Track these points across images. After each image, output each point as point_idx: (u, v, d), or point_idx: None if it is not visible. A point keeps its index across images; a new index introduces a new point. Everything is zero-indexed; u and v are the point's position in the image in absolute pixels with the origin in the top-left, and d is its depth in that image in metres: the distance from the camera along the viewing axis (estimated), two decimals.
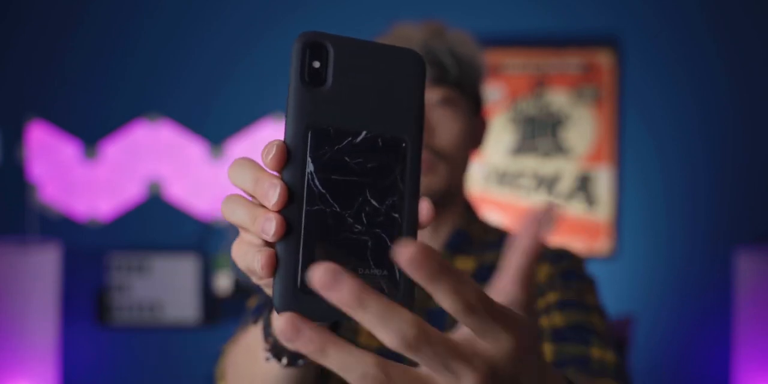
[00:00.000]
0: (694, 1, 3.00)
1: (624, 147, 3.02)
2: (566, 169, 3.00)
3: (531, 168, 3.01)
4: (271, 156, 0.46)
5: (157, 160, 3.06)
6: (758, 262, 2.71)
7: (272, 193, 0.46)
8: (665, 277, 3.01)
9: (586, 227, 3.00)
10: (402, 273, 0.47)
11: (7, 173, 3.08)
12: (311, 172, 0.46)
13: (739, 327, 2.76)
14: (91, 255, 3.06)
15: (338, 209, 0.46)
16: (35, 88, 3.07)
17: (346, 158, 0.47)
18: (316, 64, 0.47)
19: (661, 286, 3.01)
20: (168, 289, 2.98)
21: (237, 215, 0.48)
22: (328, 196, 0.46)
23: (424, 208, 0.48)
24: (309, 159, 0.46)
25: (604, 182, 2.99)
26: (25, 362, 2.75)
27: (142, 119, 3.07)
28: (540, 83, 3.01)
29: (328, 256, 0.46)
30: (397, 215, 0.47)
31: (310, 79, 0.47)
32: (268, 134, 3.06)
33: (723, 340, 2.99)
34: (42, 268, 2.78)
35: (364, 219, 0.47)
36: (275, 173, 0.47)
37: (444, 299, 0.42)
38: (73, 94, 3.08)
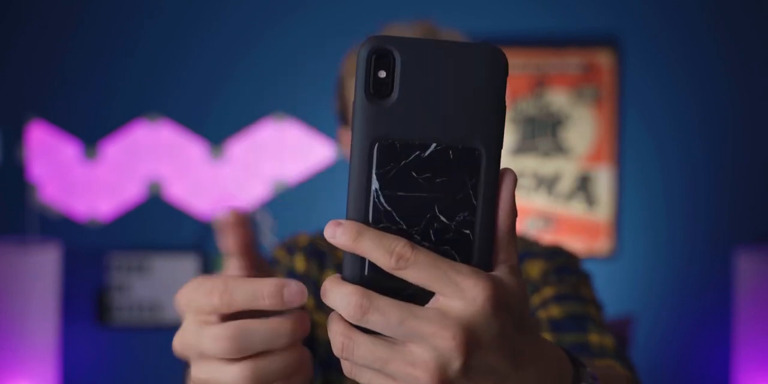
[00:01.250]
0: (694, 1, 3.00)
1: (624, 147, 3.02)
2: (566, 169, 3.00)
3: (531, 168, 3.01)
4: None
5: (157, 160, 3.06)
6: (758, 262, 2.71)
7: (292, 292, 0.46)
8: (665, 277, 3.01)
9: (586, 227, 3.00)
10: None
11: (7, 173, 3.08)
12: (376, 189, 0.44)
13: (739, 327, 2.76)
14: (91, 255, 3.06)
15: (404, 227, 0.44)
16: (35, 88, 3.08)
17: (414, 173, 0.44)
18: (382, 74, 0.44)
19: (661, 286, 3.01)
20: (168, 289, 2.99)
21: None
22: (394, 213, 0.44)
23: (503, 219, 0.45)
24: (374, 176, 0.44)
25: (604, 182, 2.99)
26: (25, 362, 2.75)
27: (142, 119, 3.07)
28: (540, 83, 3.01)
29: (394, 276, 0.44)
30: (468, 231, 0.45)
31: (376, 91, 0.44)
32: (268, 134, 3.06)
33: (723, 340, 2.99)
34: (42, 268, 2.78)
35: (432, 236, 0.44)
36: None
37: (375, 257, 0.43)
38: (73, 94, 3.08)
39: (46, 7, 3.07)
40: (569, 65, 3.00)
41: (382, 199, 0.44)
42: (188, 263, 2.98)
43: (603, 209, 2.99)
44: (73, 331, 3.06)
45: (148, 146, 3.07)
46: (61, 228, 3.06)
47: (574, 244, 3.00)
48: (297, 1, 3.07)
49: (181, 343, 0.47)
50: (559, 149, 3.01)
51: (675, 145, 3.01)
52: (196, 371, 0.47)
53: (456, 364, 0.42)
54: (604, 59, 2.99)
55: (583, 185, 3.00)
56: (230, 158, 3.06)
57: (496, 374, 0.44)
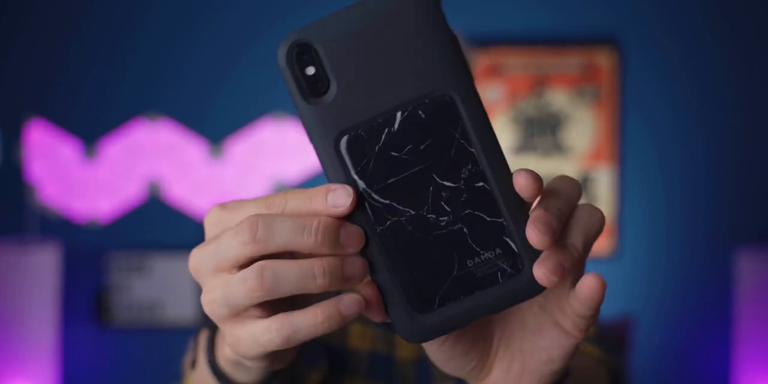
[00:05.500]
0: (695, 0, 3.00)
1: (624, 147, 3.02)
2: (566, 169, 3.01)
3: (531, 168, 3.01)
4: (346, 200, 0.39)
5: (157, 160, 3.06)
6: (758, 262, 2.71)
7: (342, 193, 0.39)
8: (665, 277, 3.01)
9: None
10: (517, 239, 0.40)
11: (6, 173, 3.07)
12: (364, 189, 0.40)
13: (739, 327, 2.76)
14: (91, 255, 3.06)
15: (413, 212, 0.40)
16: (35, 87, 3.07)
17: (394, 153, 0.39)
18: (311, 71, 0.39)
19: (661, 286, 3.01)
20: (168, 289, 2.98)
21: (277, 235, 0.39)
22: (394, 204, 0.40)
23: (521, 178, 0.39)
24: (355, 177, 0.40)
25: (604, 182, 2.99)
26: (25, 362, 2.75)
27: (142, 118, 3.07)
28: (540, 83, 3.01)
29: (428, 266, 0.40)
30: (481, 183, 0.40)
31: (313, 90, 0.39)
32: (268, 134, 3.05)
33: (723, 340, 2.99)
34: (42, 268, 2.78)
35: (446, 207, 0.40)
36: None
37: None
38: (73, 94, 3.07)
39: (45, 7, 3.07)
40: (569, 65, 3.00)
41: (376, 196, 0.40)
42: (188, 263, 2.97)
43: (603, 209, 2.99)
44: (73, 331, 3.06)
45: (147, 146, 3.07)
46: (60, 228, 3.06)
47: None
48: (297, 1, 3.06)
49: (209, 302, 0.42)
50: (559, 149, 3.01)
51: (675, 144, 3.01)
52: (229, 332, 0.43)
53: None
54: (604, 59, 2.99)
55: (584, 185, 3.00)
56: (230, 158, 3.06)
57: None
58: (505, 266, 0.40)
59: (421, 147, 0.39)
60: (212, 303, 0.42)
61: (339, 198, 0.39)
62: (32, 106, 3.07)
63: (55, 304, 2.83)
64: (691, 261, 3.01)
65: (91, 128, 3.07)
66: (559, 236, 0.41)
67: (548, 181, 3.01)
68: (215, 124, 3.07)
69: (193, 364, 0.60)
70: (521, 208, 0.40)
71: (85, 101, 3.08)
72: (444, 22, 0.39)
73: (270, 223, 0.39)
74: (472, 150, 0.39)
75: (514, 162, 3.02)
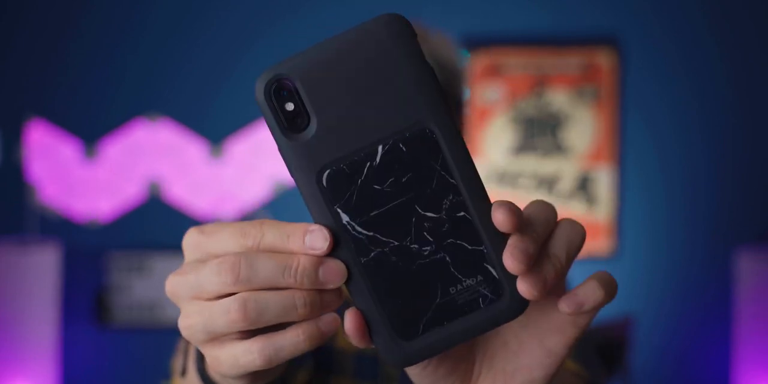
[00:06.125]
0: (695, 0, 3.00)
1: (624, 147, 3.02)
2: (566, 169, 3.01)
3: (531, 168, 3.01)
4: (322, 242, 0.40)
5: (157, 160, 3.06)
6: (758, 262, 2.72)
7: (318, 235, 0.40)
8: (665, 277, 3.01)
9: (586, 227, 3.00)
10: (497, 266, 0.41)
11: (6, 173, 3.07)
12: (347, 222, 0.40)
13: (739, 327, 2.76)
14: (91, 255, 3.06)
15: (396, 242, 0.40)
16: (35, 87, 3.07)
17: (376, 186, 0.40)
18: (290, 107, 0.39)
19: (661, 286, 3.01)
20: None
21: (260, 270, 0.40)
22: (378, 235, 0.40)
23: (499, 214, 0.40)
24: (338, 210, 0.40)
25: (604, 182, 2.99)
26: (25, 362, 2.75)
27: (142, 119, 3.07)
28: (540, 83, 3.01)
29: (412, 295, 0.41)
30: (462, 213, 0.40)
31: (292, 126, 0.40)
32: (269, 134, 3.05)
33: (723, 340, 2.99)
34: (42, 268, 2.78)
35: (429, 237, 0.41)
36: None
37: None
38: (73, 94, 3.07)
39: (46, 7, 3.07)
40: (569, 65, 3.00)
41: (359, 228, 0.40)
42: None
43: (603, 209, 2.99)
44: (73, 331, 3.06)
45: (147, 146, 3.07)
46: (61, 228, 3.06)
47: None
48: (297, 1, 3.06)
49: (187, 327, 0.43)
50: (559, 149, 3.01)
51: (675, 144, 3.01)
52: (207, 353, 0.43)
53: None
54: (604, 59, 2.99)
55: (583, 185, 3.00)
56: (230, 158, 3.06)
57: None
58: (486, 292, 0.41)
59: (403, 179, 0.40)
60: (190, 328, 0.42)
61: (316, 241, 0.40)
62: (32, 106, 3.07)
63: (55, 304, 2.83)
64: (691, 261, 3.01)
65: (91, 128, 3.07)
66: (540, 251, 0.42)
67: (549, 181, 3.01)
68: (215, 124, 3.07)
69: (183, 371, 0.61)
70: (501, 235, 0.41)
71: (85, 101, 3.07)
72: (420, 54, 0.39)
73: (252, 264, 0.40)
74: (452, 181, 0.40)
75: (514, 162, 3.02)
